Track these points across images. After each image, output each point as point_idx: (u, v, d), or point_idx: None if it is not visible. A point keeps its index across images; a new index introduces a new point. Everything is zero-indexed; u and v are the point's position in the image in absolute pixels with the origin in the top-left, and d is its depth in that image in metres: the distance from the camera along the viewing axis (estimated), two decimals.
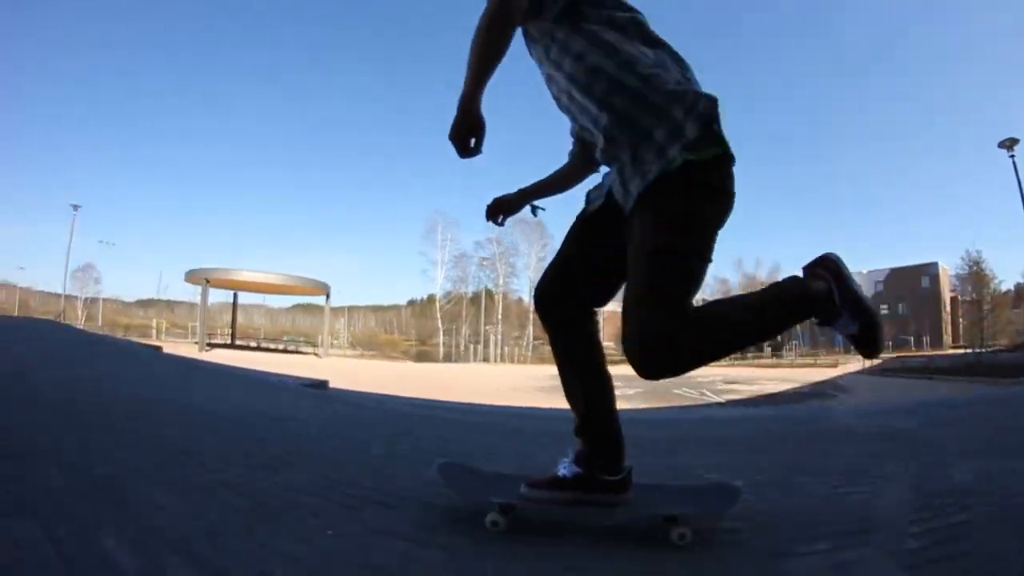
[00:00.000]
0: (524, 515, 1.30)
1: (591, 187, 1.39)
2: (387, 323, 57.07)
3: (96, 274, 43.42)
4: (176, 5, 72.09)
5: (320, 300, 31.09)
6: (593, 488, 1.28)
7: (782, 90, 64.82)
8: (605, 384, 1.33)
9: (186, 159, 77.90)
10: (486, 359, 37.29)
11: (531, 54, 1.34)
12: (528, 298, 44.09)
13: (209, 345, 23.58)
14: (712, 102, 1.15)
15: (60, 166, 71.03)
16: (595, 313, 1.36)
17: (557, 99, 1.32)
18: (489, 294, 46.06)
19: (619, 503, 1.28)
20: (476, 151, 1.21)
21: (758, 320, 1.18)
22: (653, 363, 1.10)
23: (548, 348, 1.50)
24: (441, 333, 41.97)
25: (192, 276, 27.13)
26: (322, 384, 5.76)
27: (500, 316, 41.51)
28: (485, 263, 42.70)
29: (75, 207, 33.74)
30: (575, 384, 1.33)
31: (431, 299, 46.90)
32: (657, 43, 1.23)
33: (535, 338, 40.22)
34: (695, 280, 1.15)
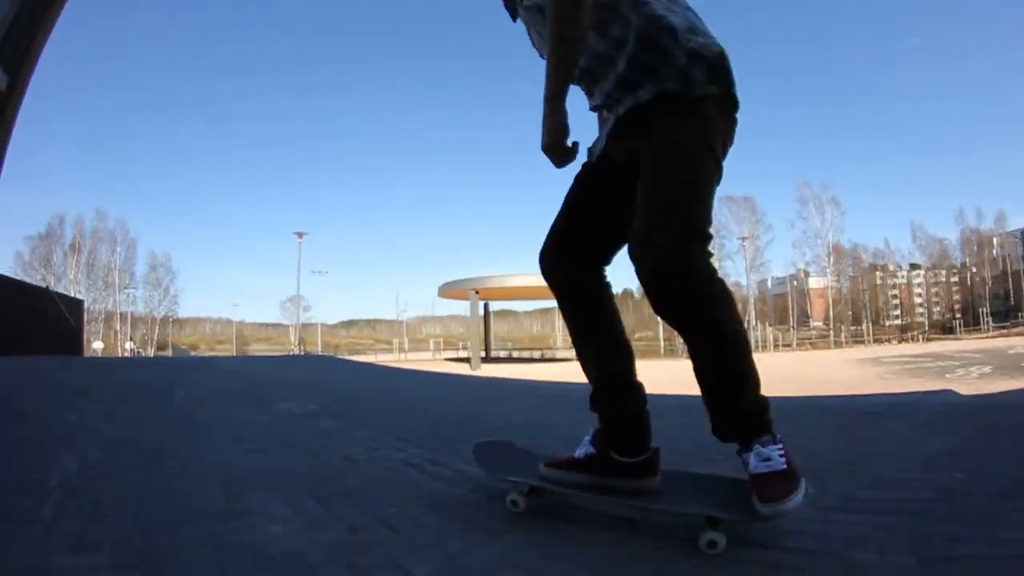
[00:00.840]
0: (554, 498, 1.24)
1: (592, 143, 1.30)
2: None
3: (305, 303, 49.71)
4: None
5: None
6: (606, 471, 1.17)
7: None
8: (621, 353, 1.22)
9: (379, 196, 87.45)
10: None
11: (529, 31, 1.28)
12: (743, 280, 41.32)
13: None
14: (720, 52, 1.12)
15: (279, 205, 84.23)
16: (603, 273, 1.26)
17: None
18: None
19: (640, 491, 1.14)
20: (573, 156, 1.17)
21: (741, 347, 1.10)
22: (669, 288, 1.06)
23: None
24: (661, 327, 41.17)
25: (454, 289, 25.42)
26: None
27: None
28: None
29: (299, 235, 32.82)
30: (587, 351, 1.24)
31: (627, 293, 46.46)
32: None
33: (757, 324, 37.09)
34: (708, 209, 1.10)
